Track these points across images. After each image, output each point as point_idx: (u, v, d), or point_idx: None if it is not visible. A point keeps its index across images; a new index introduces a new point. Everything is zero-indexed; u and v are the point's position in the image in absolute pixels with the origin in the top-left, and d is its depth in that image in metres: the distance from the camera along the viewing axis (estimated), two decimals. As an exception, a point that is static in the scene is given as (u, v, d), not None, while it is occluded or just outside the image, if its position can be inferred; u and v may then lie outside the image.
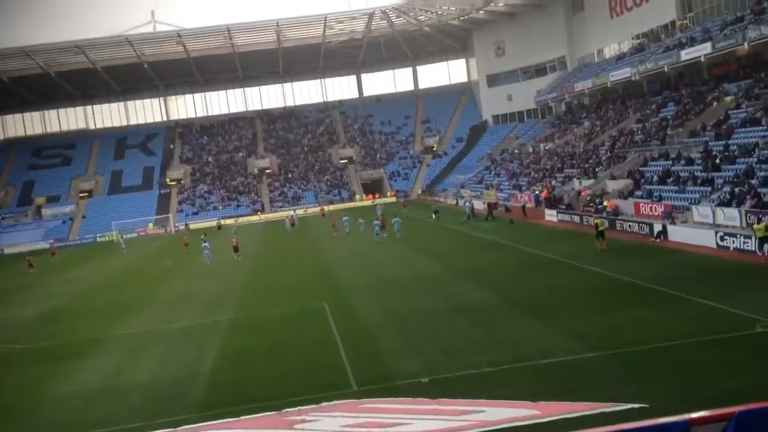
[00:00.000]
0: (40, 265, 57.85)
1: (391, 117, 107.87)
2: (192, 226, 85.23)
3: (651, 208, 39.34)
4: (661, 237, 34.36)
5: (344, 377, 18.30)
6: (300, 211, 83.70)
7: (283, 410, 15.96)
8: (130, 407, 18.01)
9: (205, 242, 48.62)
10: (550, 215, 49.72)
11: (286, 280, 35.83)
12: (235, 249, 47.49)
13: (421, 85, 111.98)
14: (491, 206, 56.09)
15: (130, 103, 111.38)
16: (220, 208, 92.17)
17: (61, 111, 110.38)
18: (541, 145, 73.29)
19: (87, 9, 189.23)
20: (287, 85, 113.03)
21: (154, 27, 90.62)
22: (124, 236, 77.07)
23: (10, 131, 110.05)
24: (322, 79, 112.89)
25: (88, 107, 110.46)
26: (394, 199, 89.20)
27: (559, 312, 22.49)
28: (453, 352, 19.38)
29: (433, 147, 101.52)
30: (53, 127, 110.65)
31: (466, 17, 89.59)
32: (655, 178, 43.46)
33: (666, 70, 56.77)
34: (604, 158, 55.32)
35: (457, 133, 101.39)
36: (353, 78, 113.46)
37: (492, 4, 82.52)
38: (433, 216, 59.18)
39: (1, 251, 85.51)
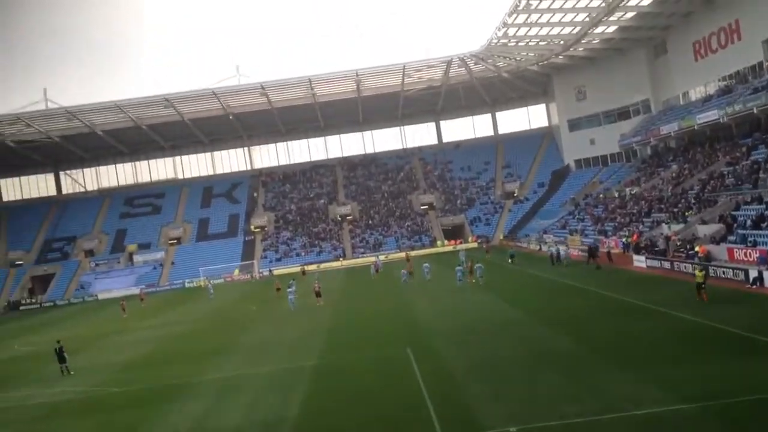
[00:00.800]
0: (131, 310, 59.70)
1: (470, 162, 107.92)
2: (276, 272, 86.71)
3: (745, 253, 37.99)
4: (758, 283, 33.07)
5: (429, 425, 18.15)
6: (382, 257, 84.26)
7: (370, 457, 15.97)
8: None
9: (290, 287, 49.33)
10: (639, 261, 48.50)
11: (370, 325, 35.94)
12: (318, 294, 48.00)
13: (501, 131, 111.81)
14: (593, 251, 54.19)
15: (216, 153, 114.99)
16: (303, 254, 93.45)
17: (152, 162, 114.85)
18: (627, 189, 71.88)
19: (176, 65, 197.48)
20: (367, 133, 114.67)
21: (239, 80, 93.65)
22: (211, 281, 78.95)
23: (104, 182, 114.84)
24: (401, 127, 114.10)
25: (177, 158, 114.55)
26: (475, 245, 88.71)
27: (648, 360, 21.83)
28: (539, 400, 19.02)
29: (514, 192, 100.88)
30: (144, 177, 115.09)
31: (546, 62, 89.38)
32: (749, 222, 42.01)
33: (755, 111, 55.15)
34: (693, 202, 53.85)
35: (539, 178, 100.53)
36: (432, 125, 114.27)
37: (571, 49, 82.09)
38: (509, 260, 58.73)
39: (95, 297, 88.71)
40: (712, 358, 21.27)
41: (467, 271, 50.06)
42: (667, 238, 47.92)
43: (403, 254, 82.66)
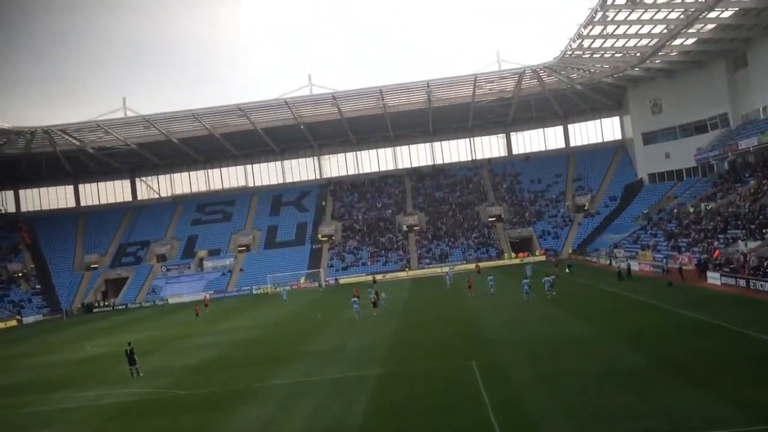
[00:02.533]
0: (194, 318, 60.87)
1: (540, 175, 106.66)
2: (342, 281, 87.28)
3: (826, 272, 36.41)
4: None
5: (493, 439, 17.89)
6: (447, 269, 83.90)
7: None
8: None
9: (367, 295, 49.53)
10: (713, 278, 47.01)
11: (434, 337, 35.69)
12: (374, 305, 48.01)
13: (573, 143, 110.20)
14: (620, 272, 53.97)
15: (287, 162, 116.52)
16: (369, 264, 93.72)
17: (224, 170, 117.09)
18: (702, 204, 69.90)
19: (250, 76, 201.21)
20: (436, 144, 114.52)
21: (311, 90, 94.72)
22: (285, 288, 79.90)
23: (178, 188, 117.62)
24: (471, 138, 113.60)
25: (248, 166, 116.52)
26: (543, 258, 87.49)
27: (720, 379, 21.08)
28: (607, 417, 18.56)
29: (584, 206, 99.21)
30: (216, 184, 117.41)
31: (621, 74, 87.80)
32: (831, 240, 40.33)
33: (840, 125, 53.03)
34: (771, 219, 52.00)
35: (610, 192, 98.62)
36: (502, 136, 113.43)
37: (648, 62, 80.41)
38: (567, 270, 57.64)
39: (166, 301, 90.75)
40: (790, 381, 20.42)
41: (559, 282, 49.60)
42: (744, 256, 46.30)
43: (471, 266, 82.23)
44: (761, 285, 40.00)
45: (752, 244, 48.65)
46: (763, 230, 50.47)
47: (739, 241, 51.70)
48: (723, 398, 18.98)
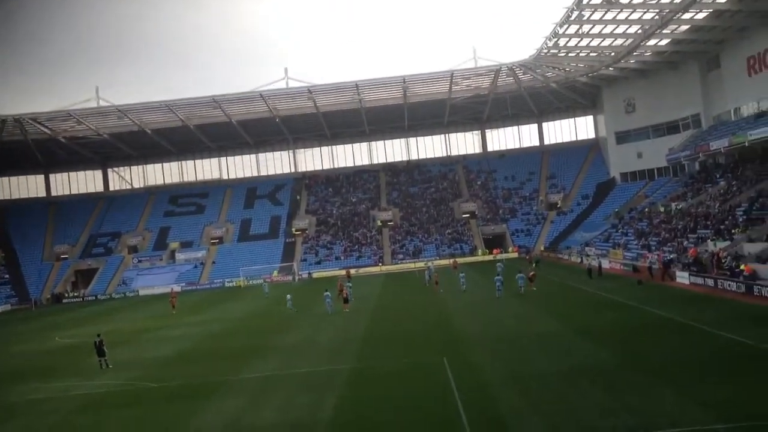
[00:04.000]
0: (168, 309, 60.31)
1: (515, 172, 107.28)
2: (315, 275, 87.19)
3: (792, 273, 37.06)
4: (804, 305, 32.21)
5: (462, 434, 18.02)
6: (421, 264, 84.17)
7: (401, 463, 15.89)
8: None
9: (327, 291, 49.38)
10: (681, 277, 47.64)
11: (406, 332, 35.79)
12: (345, 300, 47.98)
13: (547, 141, 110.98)
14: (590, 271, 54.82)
15: (261, 155, 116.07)
16: (342, 258, 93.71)
17: (198, 161, 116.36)
18: (673, 204, 70.73)
19: (225, 67, 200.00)
20: (411, 140, 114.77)
21: (287, 83, 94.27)
22: (266, 281, 79.37)
23: (150, 180, 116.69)
24: (446, 134, 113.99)
25: (222, 158, 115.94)
26: (516, 255, 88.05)
27: (687, 378, 21.43)
28: (575, 414, 18.79)
29: (557, 203, 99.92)
30: (189, 176, 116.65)
31: (595, 74, 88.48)
32: (797, 241, 41.02)
33: (809, 129, 53.87)
34: (741, 220, 52.75)
35: (583, 190, 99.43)
36: (477, 133, 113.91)
37: (622, 61, 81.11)
38: (534, 265, 57.92)
39: (137, 293, 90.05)
40: (754, 379, 20.80)
41: (527, 280, 49.77)
42: (713, 255, 46.94)
43: (446, 262, 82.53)
44: (729, 285, 40.59)
45: (721, 244, 49.32)
46: (732, 231, 51.20)
47: (708, 240, 52.40)
48: (689, 396, 19.31)
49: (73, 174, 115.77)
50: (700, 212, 62.03)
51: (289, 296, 52.63)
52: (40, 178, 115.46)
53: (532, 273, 51.49)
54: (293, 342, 36.08)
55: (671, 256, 54.91)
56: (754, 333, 27.07)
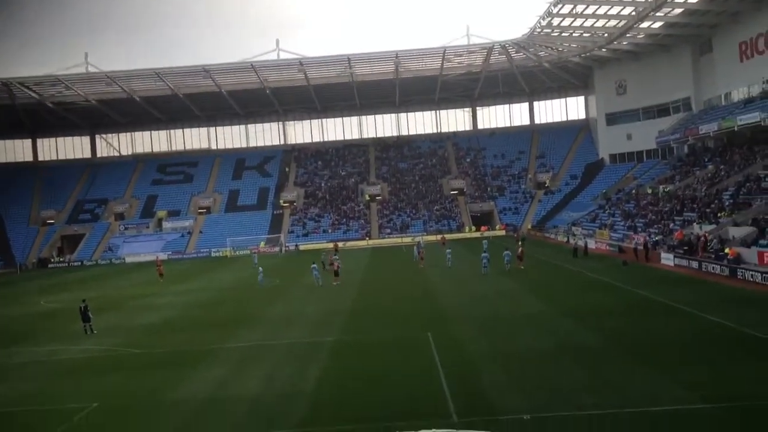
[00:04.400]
0: (154, 277, 60.22)
1: (504, 151, 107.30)
2: (302, 248, 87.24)
3: (776, 258, 37.38)
4: (786, 289, 32.54)
5: (445, 407, 18.21)
6: (408, 240, 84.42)
7: (383, 434, 16.02)
8: (235, 420, 18.50)
9: (314, 264, 49.47)
10: (666, 259, 47.98)
11: (392, 306, 35.93)
12: (336, 274, 48.07)
13: (537, 120, 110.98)
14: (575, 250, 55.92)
15: (251, 126, 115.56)
16: (330, 231, 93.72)
17: (186, 131, 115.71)
18: (661, 186, 71.03)
19: (216, 36, 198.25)
20: (402, 115, 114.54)
21: (278, 55, 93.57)
22: (255, 252, 79.14)
23: (138, 147, 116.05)
24: (437, 111, 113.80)
25: (212, 128, 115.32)
26: (503, 233, 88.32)
27: (669, 359, 21.64)
28: (557, 391, 18.95)
29: (545, 183, 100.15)
30: (178, 145, 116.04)
31: (588, 54, 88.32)
32: (782, 227, 41.34)
33: (798, 116, 54.09)
34: (727, 204, 53.08)
35: (572, 170, 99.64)
36: (468, 110, 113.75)
37: (615, 43, 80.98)
38: (520, 243, 58.01)
39: (123, 260, 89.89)
40: (734, 361, 21.06)
41: (514, 257, 49.99)
42: (698, 238, 47.26)
43: (433, 237, 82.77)
44: (713, 267, 40.93)
45: (707, 228, 49.64)
46: (718, 214, 51.52)
47: (694, 223, 52.73)
48: (670, 377, 19.52)
49: (60, 140, 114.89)
50: (687, 195, 62.34)
51: (260, 269, 52.01)
52: (27, 142, 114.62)
53: (520, 250, 51.68)
54: (279, 313, 36.16)
55: (657, 238, 55.29)
56: (736, 316, 27.35)
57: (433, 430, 16.03)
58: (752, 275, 36.61)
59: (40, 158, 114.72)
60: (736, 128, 63.80)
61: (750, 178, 55.36)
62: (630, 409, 17.05)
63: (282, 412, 18.84)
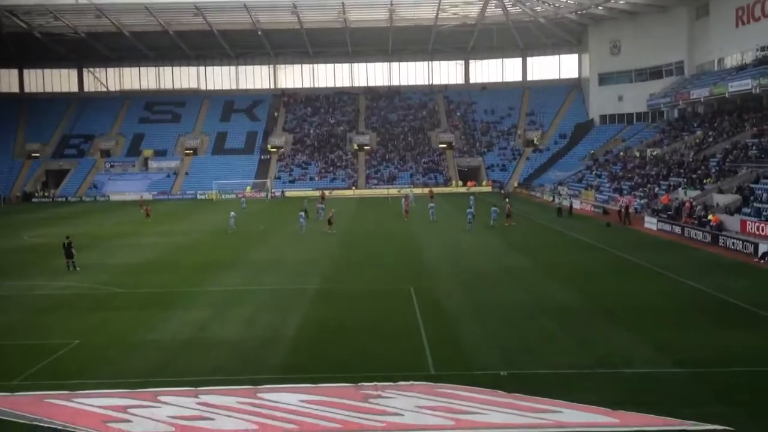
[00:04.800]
0: (136, 217, 60.07)
1: (495, 106, 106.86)
2: (288, 194, 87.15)
3: (758, 227, 37.75)
4: (766, 258, 32.92)
5: (423, 360, 18.45)
6: (394, 191, 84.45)
7: (360, 383, 16.25)
8: (215, 362, 18.67)
9: (302, 212, 49.46)
10: (650, 222, 48.34)
11: (375, 258, 36.12)
12: (329, 222, 48.13)
13: (530, 77, 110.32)
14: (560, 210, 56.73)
15: (241, 68, 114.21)
16: (316, 179, 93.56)
17: (176, 69, 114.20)
18: (648, 150, 71.21)
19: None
20: (394, 65, 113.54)
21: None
22: (240, 196, 78.99)
23: (126, 83, 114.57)
24: (430, 62, 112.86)
25: (201, 68, 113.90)
26: (489, 189, 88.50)
27: (645, 322, 21.94)
28: (534, 349, 19.22)
29: (534, 141, 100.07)
30: (166, 84, 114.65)
31: (584, 12, 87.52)
32: (766, 196, 41.66)
33: (790, 85, 54.13)
34: (713, 170, 53.36)
35: (561, 129, 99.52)
36: (461, 63, 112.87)
37: (612, 1, 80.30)
38: (506, 200, 58.13)
39: (107, 197, 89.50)
40: (710, 327, 21.41)
41: (502, 214, 50.27)
42: (682, 203, 47.59)
43: (419, 190, 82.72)
44: (695, 233, 41.30)
45: (692, 193, 49.97)
46: (704, 180, 51.80)
47: (680, 189, 53.04)
48: (645, 339, 19.82)
49: (47, 71, 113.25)
50: (674, 160, 62.58)
51: (232, 214, 51.50)
52: (14, 72, 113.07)
53: (508, 207, 51.87)
54: (262, 259, 36.30)
55: (641, 201, 55.61)
56: (714, 282, 27.68)
57: (411, 382, 16.30)
58: (733, 243, 36.98)
59: (26, 90, 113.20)
60: (727, 95, 63.87)
61: (737, 146, 55.60)
62: (603, 370, 17.34)
63: (261, 357, 19.02)
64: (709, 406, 14.76)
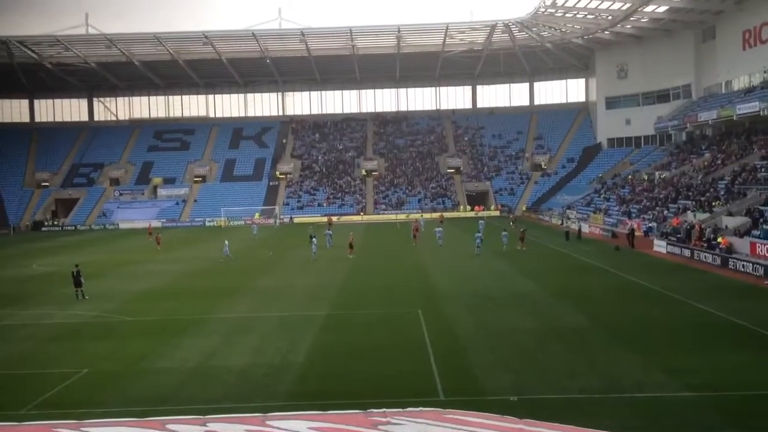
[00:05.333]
0: (146, 244, 60.16)
1: (502, 131, 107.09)
2: (296, 220, 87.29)
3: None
4: (776, 281, 32.70)
5: (432, 385, 18.34)
6: (402, 216, 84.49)
7: (369, 410, 16.11)
8: (223, 390, 18.60)
9: (314, 237, 49.48)
10: (659, 246, 48.15)
11: (384, 283, 36.08)
12: (350, 246, 48.10)
13: (537, 101, 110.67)
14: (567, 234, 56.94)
15: (250, 96, 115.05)
16: (325, 205, 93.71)
17: (185, 97, 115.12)
18: (657, 173, 71.10)
19: (218, 2, 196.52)
20: (402, 91, 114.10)
21: (280, 24, 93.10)
22: (248, 223, 78.82)
23: (136, 112, 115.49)
24: (437, 87, 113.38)
25: (210, 96, 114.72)
26: (498, 213, 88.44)
27: (656, 345, 21.79)
28: (544, 373, 19.09)
29: (542, 164, 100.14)
30: (176, 112, 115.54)
31: (590, 36, 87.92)
32: (775, 218, 41.45)
33: (798, 107, 54.06)
34: (722, 193, 53.19)
35: (569, 153, 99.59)
36: (468, 88, 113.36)
37: (618, 26, 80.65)
38: (511, 223, 58.09)
39: (116, 225, 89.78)
40: (720, 350, 21.22)
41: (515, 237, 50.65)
42: (692, 226, 47.41)
43: (428, 215, 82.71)
44: (705, 256, 41.10)
45: (701, 216, 49.79)
46: (713, 203, 51.63)
47: (689, 211, 52.86)
48: (656, 364, 19.65)
49: (57, 101, 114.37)
50: (683, 183, 62.44)
51: (226, 242, 50.23)
52: (25, 102, 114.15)
53: (522, 231, 51.91)
54: (270, 285, 36.26)
55: (650, 224, 55.45)
56: (725, 305, 27.47)
57: (420, 408, 16.17)
58: (743, 265, 36.76)
59: (37, 119, 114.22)
60: (735, 117, 63.82)
61: (746, 168, 55.45)
62: (615, 394, 17.20)
63: (270, 384, 18.96)
64: (721, 431, 14.59)
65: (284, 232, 74.29)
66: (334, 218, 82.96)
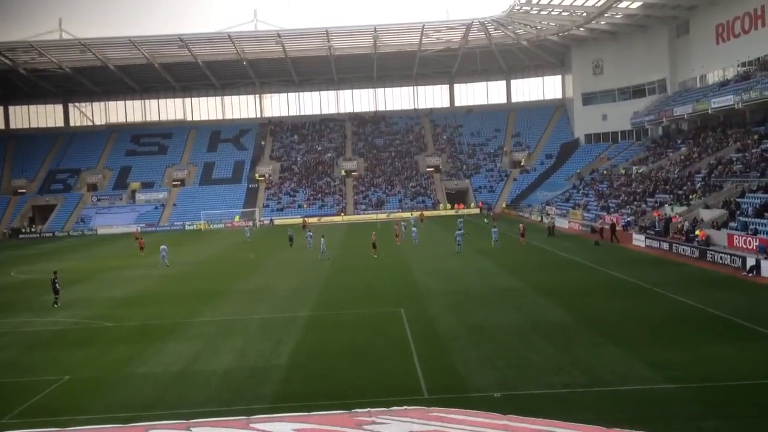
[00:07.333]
0: (129, 248, 59.73)
1: (480, 129, 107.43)
2: (277, 222, 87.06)
3: (745, 241, 37.97)
4: (754, 272, 33.08)
5: (416, 384, 18.38)
6: (383, 216, 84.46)
7: (353, 410, 16.10)
8: (207, 393, 18.53)
9: (310, 231, 49.43)
10: (638, 240, 48.52)
11: (366, 283, 36.10)
12: (373, 246, 47.67)
13: (514, 99, 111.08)
14: (551, 229, 57.43)
15: (227, 98, 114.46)
16: (305, 206, 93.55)
17: (161, 101, 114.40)
18: (634, 167, 71.66)
19: (193, 5, 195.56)
20: (380, 90, 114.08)
21: (256, 26, 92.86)
22: (247, 226, 77.51)
23: (112, 117, 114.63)
24: (415, 87, 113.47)
25: (187, 99, 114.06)
26: (478, 211, 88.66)
27: (637, 338, 21.98)
28: (527, 369, 19.19)
29: (521, 162, 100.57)
30: (152, 116, 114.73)
31: (566, 33, 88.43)
32: (752, 210, 41.91)
33: (771, 100, 54.67)
34: (699, 186, 53.70)
35: (547, 150, 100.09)
36: (446, 87, 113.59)
37: (593, 22, 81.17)
38: (485, 220, 58.38)
39: (95, 231, 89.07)
40: (701, 342, 21.43)
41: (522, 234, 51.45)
42: (669, 219, 47.85)
43: (407, 214, 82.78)
44: (683, 249, 41.48)
45: (678, 209, 50.24)
46: (690, 196, 52.12)
47: (666, 205, 53.33)
48: (638, 356, 19.82)
49: (33, 107, 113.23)
50: (660, 177, 62.96)
51: (163, 247, 48.52)
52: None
53: (522, 227, 52.46)
54: (253, 288, 36.14)
55: (629, 219, 55.87)
56: (704, 297, 27.77)
57: (405, 407, 16.19)
58: (721, 257, 37.15)
59: (12, 126, 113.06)
60: (710, 111, 64.42)
61: (722, 161, 56.01)
62: (598, 387, 17.33)
63: (254, 386, 18.91)
64: (703, 421, 14.77)
65: (264, 234, 73.95)
66: (314, 220, 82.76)
